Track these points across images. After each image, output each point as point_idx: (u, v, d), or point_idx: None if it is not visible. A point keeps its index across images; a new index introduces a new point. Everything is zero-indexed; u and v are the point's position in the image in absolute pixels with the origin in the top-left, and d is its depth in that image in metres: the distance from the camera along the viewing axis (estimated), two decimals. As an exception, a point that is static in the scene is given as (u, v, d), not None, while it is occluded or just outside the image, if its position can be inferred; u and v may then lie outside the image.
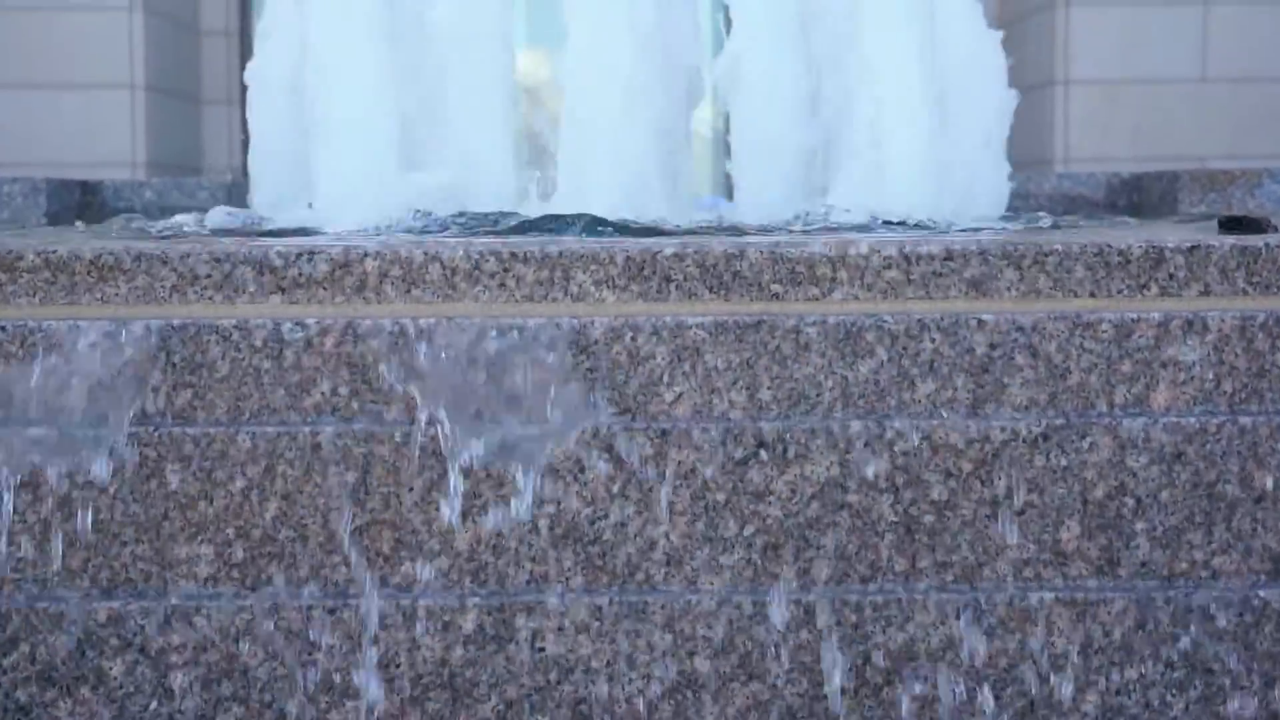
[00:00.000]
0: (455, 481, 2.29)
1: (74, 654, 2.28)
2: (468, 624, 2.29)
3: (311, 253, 2.39)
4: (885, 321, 2.33)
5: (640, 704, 2.30)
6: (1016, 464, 2.31)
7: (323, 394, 2.31)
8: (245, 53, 6.74)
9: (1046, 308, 2.36)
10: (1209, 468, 2.32)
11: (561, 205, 3.23)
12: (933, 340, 2.33)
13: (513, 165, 3.46)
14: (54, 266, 2.38)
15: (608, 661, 2.30)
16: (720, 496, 2.30)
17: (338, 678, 2.29)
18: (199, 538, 2.30)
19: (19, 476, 2.28)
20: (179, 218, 3.37)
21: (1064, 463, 2.31)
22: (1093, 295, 2.40)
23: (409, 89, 3.37)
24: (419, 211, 3.16)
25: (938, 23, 3.45)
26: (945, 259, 2.39)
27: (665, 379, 2.32)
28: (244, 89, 3.58)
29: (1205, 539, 2.33)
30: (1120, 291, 2.40)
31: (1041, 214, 3.71)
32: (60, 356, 2.30)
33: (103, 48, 6.78)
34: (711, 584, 2.31)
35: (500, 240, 2.61)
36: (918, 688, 2.31)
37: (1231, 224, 2.79)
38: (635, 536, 2.30)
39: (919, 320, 2.33)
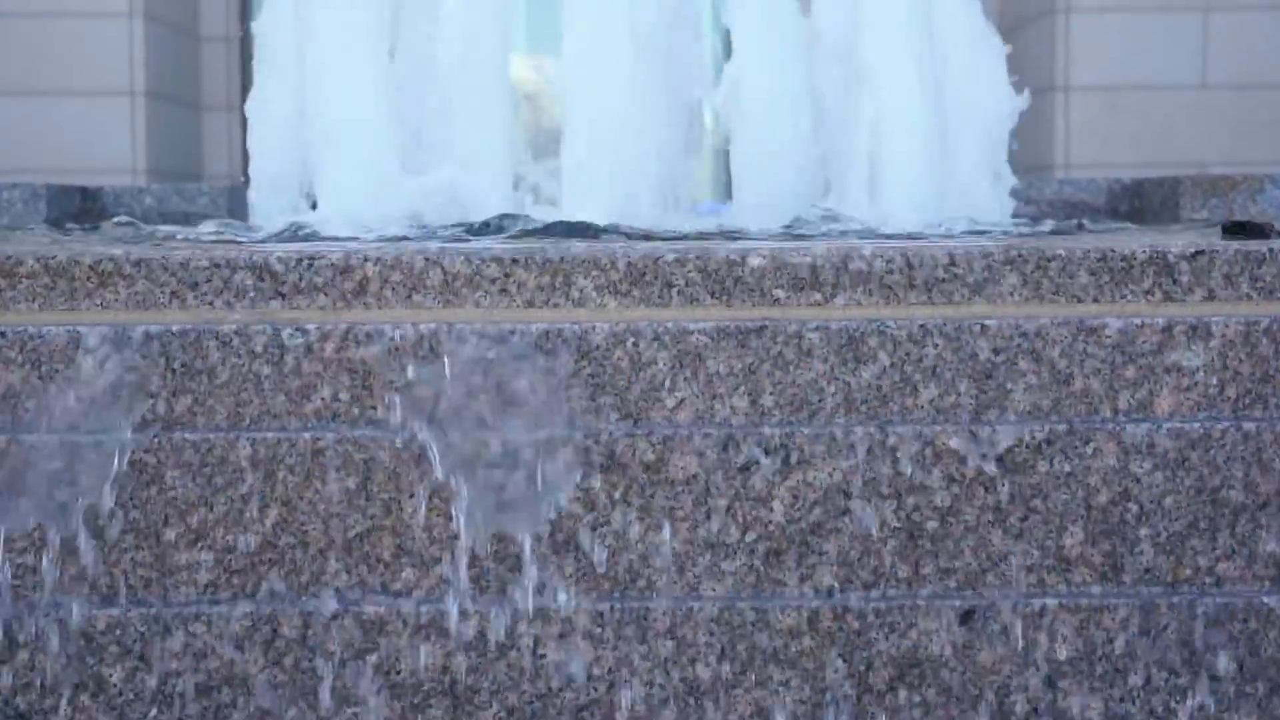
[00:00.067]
0: (456, 487, 2.28)
1: (74, 661, 2.27)
2: (469, 631, 2.28)
3: (312, 258, 2.38)
4: (888, 327, 2.32)
5: (642, 711, 2.29)
6: (1020, 470, 2.30)
7: (323, 400, 2.30)
8: (245, 59, 6.74)
9: (1050, 313, 2.35)
10: (1213, 474, 2.31)
11: (564, 212, 3.22)
12: (936, 346, 2.32)
13: (512, 170, 3.46)
14: (53, 272, 2.38)
15: (609, 669, 2.29)
16: (722, 502, 2.30)
17: (338, 685, 2.28)
18: (199, 544, 2.29)
19: (19, 483, 2.27)
20: (165, 229, 3.36)
21: (1067, 469, 2.30)
22: (1096, 300, 2.39)
23: (409, 94, 3.36)
24: (418, 227, 3.16)
25: (943, 38, 3.45)
26: (948, 264, 2.38)
27: (667, 385, 2.31)
28: (245, 96, 3.58)
29: (1209, 545, 2.32)
30: (1124, 297, 2.40)
31: (1046, 221, 3.71)
32: (60, 362, 2.29)
33: (103, 54, 6.78)
34: (713, 590, 2.30)
35: (501, 246, 2.60)
36: (921, 695, 2.30)
37: (1235, 229, 2.78)
38: (637, 543, 2.30)
39: (922, 326, 2.32)
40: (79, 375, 2.30)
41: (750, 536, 2.30)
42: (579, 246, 2.48)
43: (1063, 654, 2.30)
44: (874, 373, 2.32)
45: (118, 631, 2.27)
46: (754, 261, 2.38)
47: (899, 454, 2.30)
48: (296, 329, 2.30)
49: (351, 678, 2.28)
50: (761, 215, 3.34)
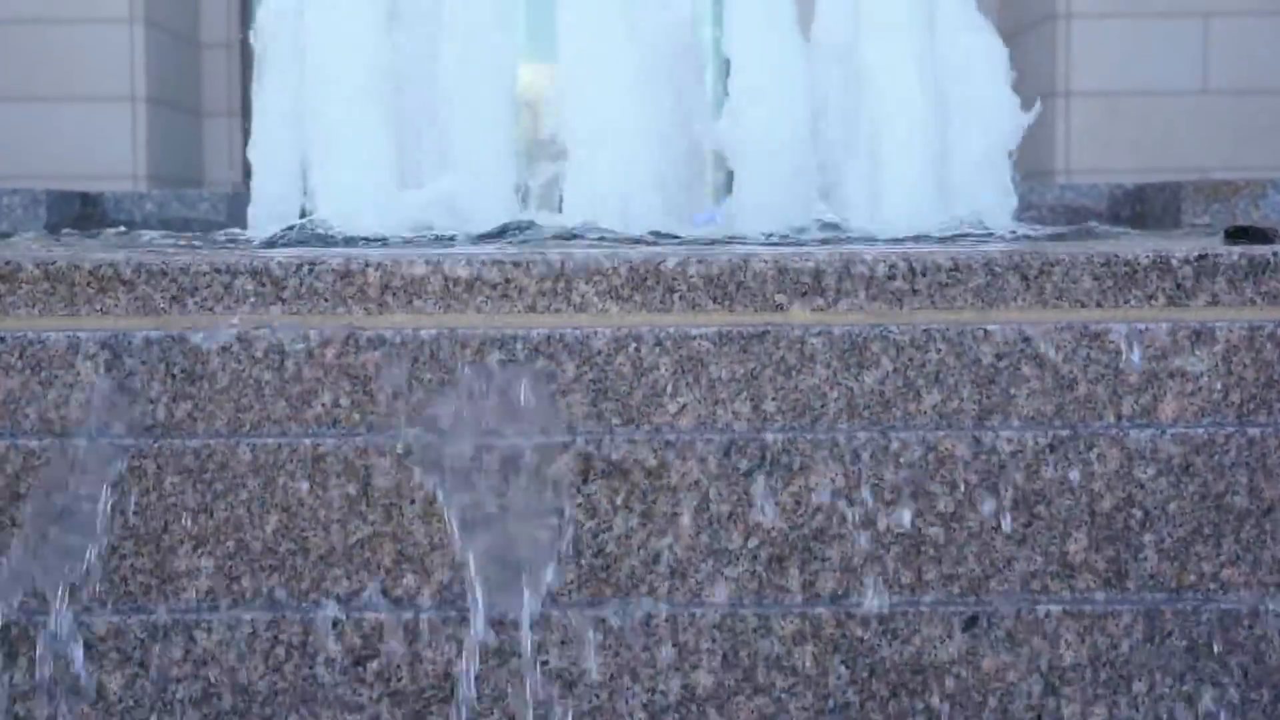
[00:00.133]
0: (458, 494, 2.27)
1: (74, 668, 2.26)
2: (470, 636, 2.28)
3: (313, 263, 2.37)
4: (891, 332, 2.31)
5: (644, 718, 2.28)
6: (1023, 475, 2.29)
7: (324, 405, 2.30)
8: (246, 65, 6.74)
9: (1053, 318, 2.35)
10: (1217, 479, 2.31)
11: (567, 218, 3.22)
12: (938, 351, 2.31)
13: (513, 177, 3.45)
14: (53, 277, 2.37)
15: (611, 675, 2.28)
16: (724, 508, 2.29)
17: (339, 691, 2.27)
18: (199, 550, 2.28)
19: (17, 488, 2.27)
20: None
21: (1071, 474, 2.30)
22: (1099, 306, 2.38)
23: (409, 99, 3.36)
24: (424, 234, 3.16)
25: (949, 55, 3.44)
26: (951, 269, 2.38)
27: (669, 390, 2.30)
28: (245, 102, 3.57)
29: (1214, 551, 2.31)
30: (1127, 302, 2.39)
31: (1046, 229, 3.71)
32: (59, 368, 2.29)
33: (103, 60, 6.78)
34: (715, 596, 2.29)
35: (502, 251, 2.59)
36: (924, 702, 2.29)
37: (1238, 234, 2.77)
38: (639, 549, 2.29)
39: (925, 331, 2.31)
40: (78, 380, 2.29)
41: (752, 542, 2.29)
42: (580, 252, 2.47)
43: (1067, 660, 2.29)
44: (877, 378, 2.31)
45: (117, 638, 2.26)
46: (756, 266, 2.37)
47: (902, 459, 2.29)
48: (297, 334, 2.29)
49: (352, 685, 2.27)
50: (760, 218, 3.33)
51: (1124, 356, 2.33)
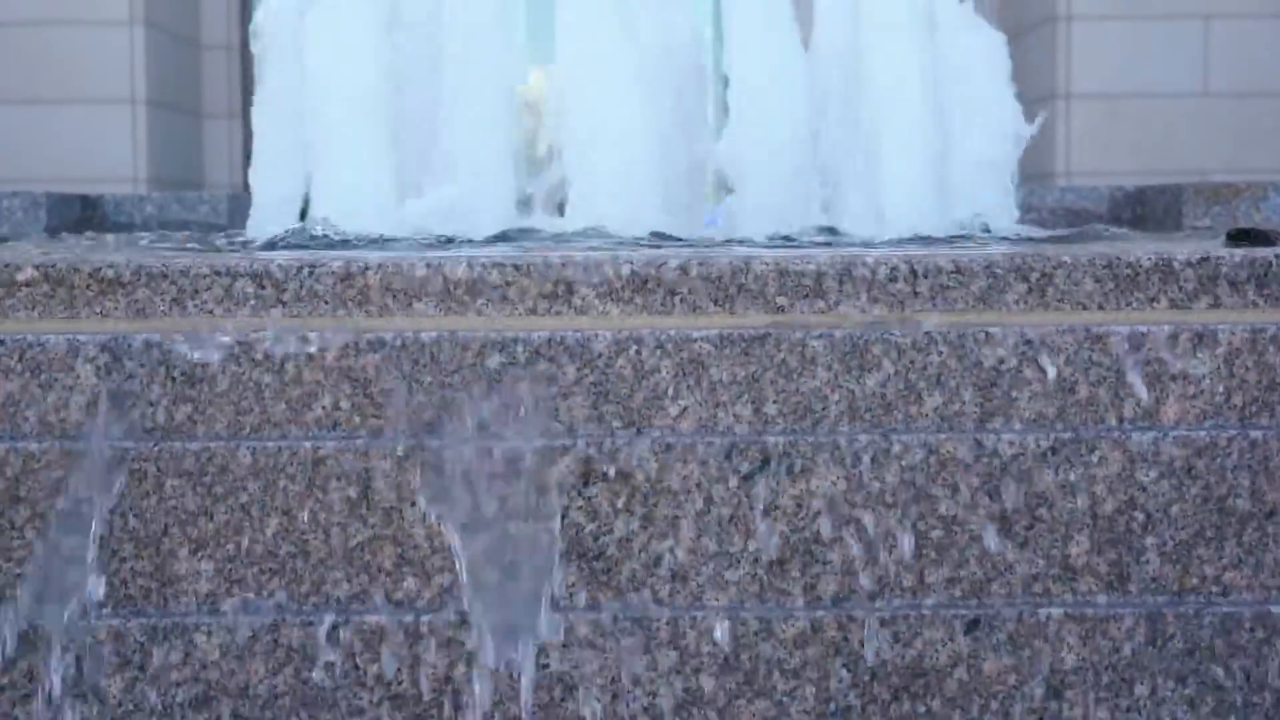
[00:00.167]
0: (459, 496, 2.27)
1: (73, 671, 2.26)
2: (470, 640, 2.27)
3: (313, 266, 2.37)
4: (892, 335, 2.31)
5: (645, 721, 2.28)
6: (1025, 478, 2.29)
7: (324, 408, 2.29)
8: (246, 67, 6.74)
9: (1055, 321, 2.34)
10: (1219, 482, 2.30)
11: (570, 222, 3.22)
12: (940, 353, 2.31)
13: (514, 182, 3.44)
14: (53, 280, 2.37)
15: (612, 678, 2.27)
16: (725, 511, 2.28)
17: (339, 695, 2.27)
18: (199, 554, 2.28)
19: (17, 492, 2.26)
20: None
21: (1073, 477, 2.29)
22: (1101, 308, 2.38)
23: (409, 100, 3.35)
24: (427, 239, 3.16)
25: (951, 63, 3.44)
26: (953, 272, 2.37)
27: (670, 392, 2.30)
28: (245, 104, 3.57)
29: (1216, 554, 2.30)
30: (1129, 304, 2.38)
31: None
32: (59, 370, 2.28)
33: (103, 62, 6.78)
34: (717, 600, 2.29)
35: (503, 253, 2.59)
36: (925, 705, 2.28)
37: (1240, 237, 2.77)
38: (640, 551, 2.28)
39: (926, 333, 2.31)
40: (78, 383, 2.29)
41: (753, 545, 2.29)
42: (581, 254, 2.46)
43: (1068, 663, 2.29)
44: (878, 380, 2.31)
45: (117, 641, 2.26)
46: (757, 269, 2.36)
47: (903, 462, 2.28)
48: (298, 337, 2.29)
49: (352, 689, 2.27)
50: (760, 219, 3.33)
51: (1126, 359, 2.32)
